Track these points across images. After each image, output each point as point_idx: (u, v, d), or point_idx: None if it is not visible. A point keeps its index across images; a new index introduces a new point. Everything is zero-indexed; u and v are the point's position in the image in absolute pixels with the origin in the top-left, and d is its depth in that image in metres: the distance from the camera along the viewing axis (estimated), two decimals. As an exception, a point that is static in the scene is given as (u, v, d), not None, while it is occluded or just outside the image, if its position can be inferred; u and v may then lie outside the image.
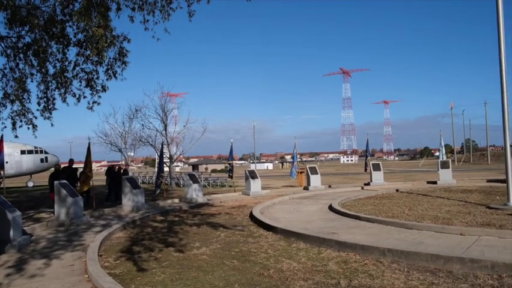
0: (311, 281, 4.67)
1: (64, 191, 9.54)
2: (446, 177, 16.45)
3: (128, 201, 11.92)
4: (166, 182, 21.78)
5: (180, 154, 26.26)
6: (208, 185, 24.24)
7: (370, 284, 4.47)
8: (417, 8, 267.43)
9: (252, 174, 16.16)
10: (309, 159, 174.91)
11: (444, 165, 16.93)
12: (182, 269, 5.37)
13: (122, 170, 15.78)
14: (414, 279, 4.58)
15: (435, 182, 16.50)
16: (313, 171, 17.26)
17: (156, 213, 11.14)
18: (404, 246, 5.71)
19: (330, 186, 17.65)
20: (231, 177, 18.40)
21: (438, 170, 17.04)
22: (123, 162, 26.57)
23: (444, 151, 20.63)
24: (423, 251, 5.32)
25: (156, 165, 23.83)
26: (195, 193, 13.87)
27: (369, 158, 20.28)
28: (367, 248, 5.72)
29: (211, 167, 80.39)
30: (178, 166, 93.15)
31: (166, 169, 22.36)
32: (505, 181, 9.43)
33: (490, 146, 62.26)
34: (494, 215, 8.11)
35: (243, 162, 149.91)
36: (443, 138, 20.63)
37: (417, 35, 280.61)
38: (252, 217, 9.51)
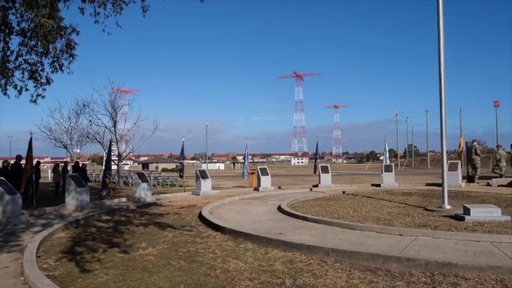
0: (257, 280, 4.74)
1: (0, 188, 8.98)
2: (389, 180, 17.24)
3: (72, 200, 11.44)
4: (114, 180, 21.13)
5: (129, 152, 25.57)
6: (158, 184, 23.79)
7: (314, 283, 4.60)
8: (368, 15, 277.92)
9: (203, 174, 16.07)
10: (261, 160, 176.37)
11: (388, 169, 17.74)
12: (126, 270, 5.25)
13: (67, 167, 15.21)
14: (355, 277, 4.78)
15: (379, 185, 17.24)
16: (264, 172, 17.45)
17: (102, 212, 10.78)
18: (347, 246, 5.93)
19: (280, 188, 17.91)
20: (181, 176, 18.18)
21: (382, 173, 17.81)
22: (72, 159, 25.43)
23: (388, 155, 21.66)
24: (365, 251, 5.56)
25: (104, 163, 23.05)
26: (144, 192, 13.56)
27: (318, 160, 20.81)
28: (312, 248, 5.88)
29: (161, 165, 78.90)
30: (127, 164, 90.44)
31: (114, 167, 21.69)
32: (441, 185, 10.04)
33: (430, 152, 65.99)
34: (430, 217, 8.62)
35: (195, 161, 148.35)
36: (387, 143, 21.65)
37: (367, 44, 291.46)
38: (201, 217, 9.46)
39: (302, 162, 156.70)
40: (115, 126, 21.76)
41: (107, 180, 14.53)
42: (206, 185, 15.80)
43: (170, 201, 13.68)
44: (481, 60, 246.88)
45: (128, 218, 10.07)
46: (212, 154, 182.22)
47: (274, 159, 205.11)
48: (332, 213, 9.50)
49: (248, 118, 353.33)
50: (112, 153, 18.64)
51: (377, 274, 4.90)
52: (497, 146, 19.70)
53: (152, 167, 72.69)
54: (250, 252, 6.08)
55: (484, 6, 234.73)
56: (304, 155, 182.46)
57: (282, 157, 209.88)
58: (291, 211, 9.71)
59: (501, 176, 17.70)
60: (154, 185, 22.41)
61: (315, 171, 19.67)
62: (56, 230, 8.04)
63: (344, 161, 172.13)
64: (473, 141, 18.48)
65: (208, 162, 78.55)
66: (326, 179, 17.65)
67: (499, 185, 16.23)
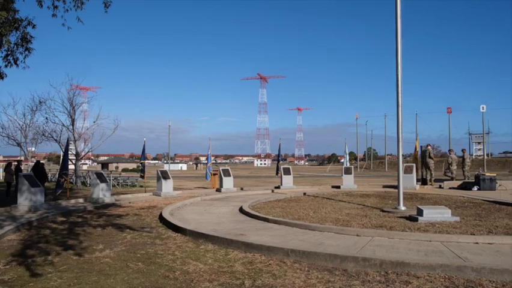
0: (216, 282, 4.73)
1: None
2: (348, 182, 17.69)
3: (25, 201, 10.94)
4: (71, 180, 20.40)
5: (88, 151, 24.76)
6: (118, 184, 23.19)
7: (273, 284, 4.66)
8: (332, 17, 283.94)
9: (164, 175, 15.84)
10: (224, 161, 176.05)
11: (348, 171, 18.20)
12: (81, 273, 5.10)
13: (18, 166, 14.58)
14: (313, 277, 4.88)
15: (339, 187, 17.65)
16: (226, 173, 17.42)
17: (57, 213, 10.38)
18: (306, 247, 6.04)
19: (242, 189, 17.94)
20: (142, 177, 17.83)
21: (342, 175, 18.26)
22: (27, 158, 24.30)
23: (348, 158, 22.23)
24: (323, 251, 5.69)
25: (60, 162, 22.17)
26: (102, 193, 13.19)
27: (281, 162, 21.04)
28: (272, 249, 5.95)
29: (122, 165, 77.04)
30: (86, 164, 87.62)
31: (71, 167, 20.94)
32: (397, 187, 10.43)
33: (387, 155, 68.23)
34: (386, 218, 8.93)
35: (157, 162, 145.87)
36: (347, 146, 22.21)
37: (331, 47, 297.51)
38: (162, 218, 9.33)
39: (265, 164, 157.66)
40: (73, 125, 20.97)
41: (62, 180, 14.00)
42: (167, 186, 15.59)
43: (130, 202, 13.38)
44: (436, 67, 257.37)
45: (85, 219, 9.76)
46: (175, 154, 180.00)
47: (237, 161, 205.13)
48: (292, 214, 9.64)
49: (212, 119, 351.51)
50: (70, 152, 18.00)
51: (334, 274, 5.03)
52: (449, 151, 20.72)
53: (112, 166, 70.79)
54: (210, 254, 6.06)
55: (441, 15, 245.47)
56: (267, 156, 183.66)
57: (245, 158, 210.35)
58: (253, 212, 9.77)
59: (452, 178, 18.62)
60: (114, 186, 21.82)
61: (277, 173, 19.85)
62: (6, 232, 7.68)
63: (306, 163, 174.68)
64: (427, 146, 19.31)
65: (171, 163, 77.48)
66: (287, 180, 17.86)
67: (450, 188, 17.07)
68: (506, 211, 10.04)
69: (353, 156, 73.64)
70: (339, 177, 20.88)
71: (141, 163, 18.06)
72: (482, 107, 46.40)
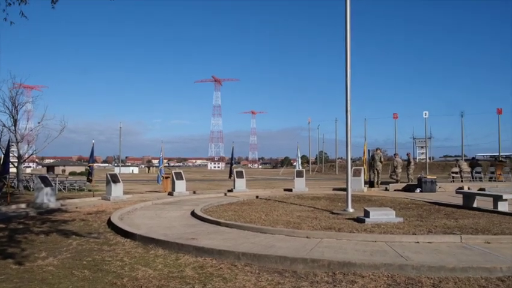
0: (166, 287, 4.67)
1: None
2: (300, 185, 18.05)
3: (-41, 207, 10.19)
4: (12, 184, 19.25)
5: (32, 153, 23.48)
6: (64, 188, 22.17)
7: (223, 287, 4.67)
8: (284, 20, 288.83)
9: (114, 178, 15.35)
10: (177, 164, 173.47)
11: (299, 174, 18.57)
12: (22, 283, 4.84)
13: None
14: (264, 280, 4.94)
15: (291, 190, 17.96)
16: (179, 176, 17.20)
17: (-5, 220, 9.76)
18: (257, 250, 6.10)
19: (195, 192, 17.78)
20: (89, 180, 17.16)
21: (294, 178, 18.60)
22: None
23: (300, 161, 22.70)
24: (274, 254, 5.77)
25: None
26: (47, 198, 12.57)
27: (234, 165, 21.08)
28: (223, 253, 5.95)
29: (69, 169, 73.63)
30: (30, 167, 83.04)
31: (13, 170, 19.76)
32: (346, 190, 10.79)
33: (338, 158, 70.27)
34: (335, 220, 9.22)
35: (107, 165, 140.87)
36: (300, 149, 22.66)
37: (284, 51, 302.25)
38: (110, 223, 9.04)
39: (219, 167, 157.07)
40: (15, 125, 19.83)
41: (1, 184, 13.17)
42: (117, 190, 15.12)
43: (77, 207, 12.84)
44: (383, 74, 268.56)
45: (27, 225, 9.25)
46: (126, 157, 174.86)
47: (190, 164, 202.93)
48: (244, 217, 9.70)
49: (165, 121, 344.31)
50: (11, 155, 16.99)
51: (284, 276, 5.12)
52: (395, 154, 21.79)
53: (58, 170, 67.37)
54: (160, 259, 5.96)
55: (389, 23, 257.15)
56: (220, 159, 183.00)
57: (199, 161, 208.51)
58: (205, 216, 9.72)
59: (397, 181, 19.56)
60: (60, 190, 20.85)
61: (230, 176, 19.87)
62: None
63: (260, 166, 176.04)
64: (376, 149, 20.16)
65: (122, 166, 75.13)
66: (240, 183, 17.92)
67: (395, 190, 17.91)
68: (444, 212, 10.69)
69: (305, 160, 75.18)
70: (291, 180, 21.24)
71: (89, 166, 17.39)
72: (425, 113, 48.94)
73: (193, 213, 10.52)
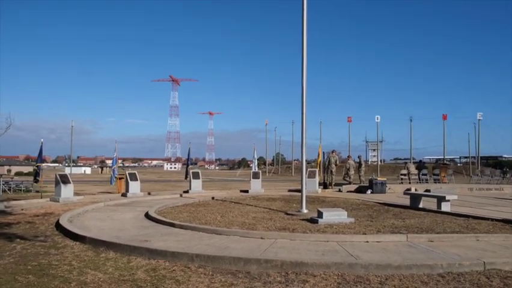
0: (116, 291, 4.56)
1: None
2: (256, 186, 18.19)
3: None
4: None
5: (-28, 152, 22.04)
6: (9, 189, 20.98)
7: (176, 289, 4.63)
8: (241, 20, 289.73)
9: (64, 179, 14.73)
10: (132, 164, 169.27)
11: (256, 175, 18.71)
12: (-42, 290, 4.55)
13: None
14: (217, 281, 4.94)
15: (247, 191, 18.04)
16: (133, 177, 16.79)
17: None
18: (211, 251, 6.10)
19: (150, 193, 17.42)
20: (37, 181, 16.36)
21: (250, 180, 18.70)
22: None
23: (257, 163, 22.85)
24: (228, 255, 5.79)
25: None
26: (-12, 199, 11.84)
27: (190, 166, 20.88)
28: (177, 255, 5.89)
29: (16, 168, 69.85)
30: (-30, 166, 77.77)
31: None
32: (301, 191, 11.00)
33: (294, 160, 71.34)
34: (290, 220, 9.38)
35: (57, 165, 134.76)
36: (256, 151, 22.81)
37: (242, 53, 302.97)
38: (59, 226, 8.67)
39: (175, 168, 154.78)
40: (-47, 122, 18.54)
41: None
42: (67, 191, 14.51)
43: (22, 209, 12.20)
44: (338, 77, 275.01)
45: (-34, 229, 8.69)
46: (78, 157, 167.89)
47: (146, 164, 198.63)
48: (199, 219, 9.64)
49: (120, 120, 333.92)
50: None
51: (238, 277, 5.15)
52: (348, 157, 22.48)
53: (3, 170, 63.68)
54: (111, 262, 5.80)
55: (347, 26, 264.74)
56: (177, 160, 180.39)
57: (155, 162, 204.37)
58: (159, 217, 9.56)
59: (350, 183, 20.20)
60: (4, 191, 19.71)
61: (186, 177, 19.66)
62: None
63: (217, 167, 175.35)
64: (332, 152, 20.74)
65: (73, 166, 72.23)
66: (196, 185, 17.78)
67: (348, 191, 18.48)
68: (393, 212, 11.18)
69: (262, 161, 75.69)
70: (247, 182, 21.34)
71: (37, 166, 16.58)
72: (377, 118, 50.98)
73: (147, 215, 10.32)
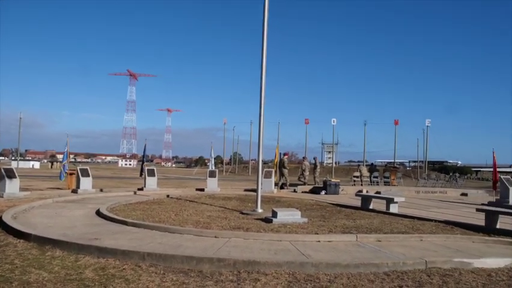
0: (62, 290, 4.40)
1: None
2: (212, 185, 18.13)
3: None
4: None
5: None
6: None
7: (125, 289, 4.53)
8: (203, 22, 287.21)
9: (9, 173, 13.96)
10: (85, 160, 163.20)
11: (212, 174, 18.64)
12: None
13: None
14: (168, 280, 4.89)
15: (203, 190, 17.94)
16: (85, 173, 16.21)
17: None
18: (163, 250, 6.01)
19: (102, 190, 16.89)
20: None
21: (207, 178, 18.62)
22: None
23: (214, 161, 22.76)
24: (180, 254, 5.74)
25: None
26: None
27: (146, 163, 20.46)
28: (128, 253, 5.77)
29: (-47, 161, 65.33)
30: None
31: None
32: (256, 191, 11.09)
33: (252, 160, 71.69)
34: (244, 220, 9.43)
35: (3, 158, 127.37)
36: (214, 149, 22.74)
37: (201, 50, 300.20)
38: (1, 223, 8.21)
39: (130, 164, 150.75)
40: None
41: None
42: (12, 186, 13.77)
43: (-40, 205, 11.44)
44: (295, 80, 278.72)
45: None
46: (26, 150, 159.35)
47: (99, 160, 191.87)
48: (153, 217, 9.48)
49: (74, 114, 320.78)
50: None
51: (190, 275, 5.12)
52: (303, 158, 22.96)
53: None
54: (57, 261, 5.58)
55: (305, 28, 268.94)
56: (133, 157, 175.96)
57: (109, 158, 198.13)
58: (110, 215, 9.31)
59: (305, 183, 20.63)
60: None
61: (141, 174, 19.24)
62: None
63: (173, 165, 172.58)
64: (284, 154, 21.07)
65: (20, 160, 68.63)
66: (151, 182, 17.46)
67: (302, 192, 18.86)
68: (345, 213, 11.53)
69: (219, 160, 75.51)
70: (204, 180, 21.21)
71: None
72: (333, 121, 52.29)
73: (98, 212, 10.01)
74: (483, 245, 7.38)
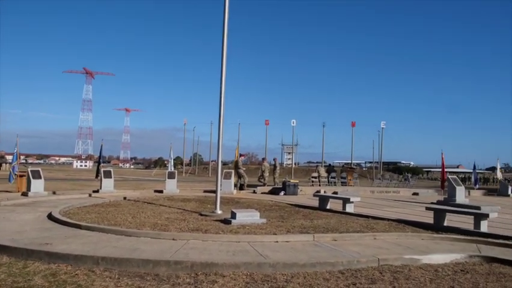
0: (8, 299, 4.20)
1: None
2: (171, 186, 17.86)
3: None
4: None
5: None
6: None
7: (77, 295, 4.39)
8: (164, 21, 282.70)
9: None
10: (37, 161, 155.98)
11: (171, 175, 18.38)
12: None
13: None
14: (123, 285, 4.78)
15: (161, 191, 17.64)
16: (36, 174, 15.49)
17: None
18: (119, 254, 5.88)
19: (54, 193, 16.19)
20: None
21: (165, 179, 18.33)
22: None
23: (173, 162, 22.46)
24: (136, 257, 5.63)
25: None
26: None
27: (102, 164, 19.86)
28: (81, 258, 5.59)
29: None
30: None
31: None
32: (215, 192, 11.06)
33: (212, 161, 71.22)
34: (203, 221, 9.38)
35: None
36: (173, 150, 22.41)
37: (159, 50, 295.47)
38: None
39: (86, 166, 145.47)
40: None
41: None
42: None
43: None
44: (256, 81, 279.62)
45: None
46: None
47: (53, 161, 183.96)
48: (109, 220, 9.23)
49: (25, 113, 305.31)
50: None
51: (146, 279, 5.04)
52: (263, 159, 23.17)
53: None
54: (4, 268, 5.31)
55: (268, 31, 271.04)
56: (88, 158, 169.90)
57: (63, 159, 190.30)
58: (63, 219, 8.96)
59: (264, 184, 20.80)
60: None
61: (97, 176, 18.66)
62: None
63: (132, 166, 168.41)
64: (241, 155, 21.23)
65: (-38, 161, 64.38)
66: (107, 184, 16.95)
67: (262, 193, 18.99)
68: (303, 213, 11.73)
69: (179, 161, 74.50)
70: (163, 182, 20.85)
71: None
72: (293, 122, 52.94)
73: (50, 216, 9.60)
74: (431, 242, 7.76)
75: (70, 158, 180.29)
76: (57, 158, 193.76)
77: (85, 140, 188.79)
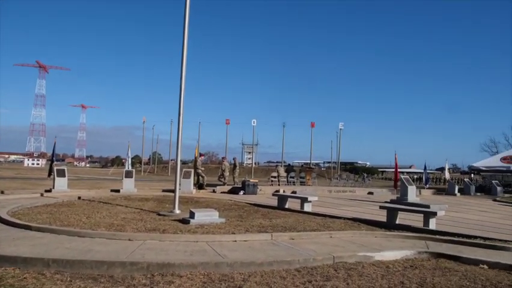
0: (-51, 305, 3.96)
1: None
2: (128, 186, 17.45)
3: None
4: None
5: None
6: None
7: (25, 299, 4.21)
8: (121, 19, 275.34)
9: None
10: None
11: (128, 174, 17.96)
12: None
13: None
14: (75, 287, 4.64)
15: (118, 191, 17.18)
16: (-18, 174, 14.65)
17: None
18: (71, 255, 5.68)
19: (3, 192, 15.40)
20: None
21: (123, 179, 17.89)
22: None
23: (131, 161, 21.98)
24: (90, 259, 5.47)
25: None
26: None
27: (56, 162, 19.09)
28: (30, 261, 5.35)
29: None
30: None
31: None
32: (174, 191, 10.93)
33: (171, 160, 70.27)
34: (161, 221, 9.24)
35: None
36: (132, 149, 21.93)
37: (118, 46, 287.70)
38: None
39: (38, 164, 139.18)
40: None
41: None
42: None
43: None
44: (217, 79, 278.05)
45: None
46: None
47: (2, 159, 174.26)
48: (61, 220, 8.89)
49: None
50: None
51: (99, 281, 4.91)
52: (223, 158, 23.14)
53: None
54: None
55: (228, 30, 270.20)
56: (41, 155, 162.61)
57: (13, 157, 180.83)
58: (11, 219, 8.53)
59: (224, 184, 20.77)
60: None
61: (50, 175, 17.89)
62: None
63: (88, 165, 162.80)
64: (200, 155, 21.14)
65: None
66: (61, 183, 16.31)
67: (221, 192, 18.97)
68: (261, 212, 11.83)
69: (137, 160, 72.82)
70: (120, 181, 20.32)
71: None
72: (254, 122, 53.20)
73: (-4, 217, 9.11)
74: (384, 240, 8.07)
75: (21, 156, 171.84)
76: (6, 156, 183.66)
77: (38, 137, 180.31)
